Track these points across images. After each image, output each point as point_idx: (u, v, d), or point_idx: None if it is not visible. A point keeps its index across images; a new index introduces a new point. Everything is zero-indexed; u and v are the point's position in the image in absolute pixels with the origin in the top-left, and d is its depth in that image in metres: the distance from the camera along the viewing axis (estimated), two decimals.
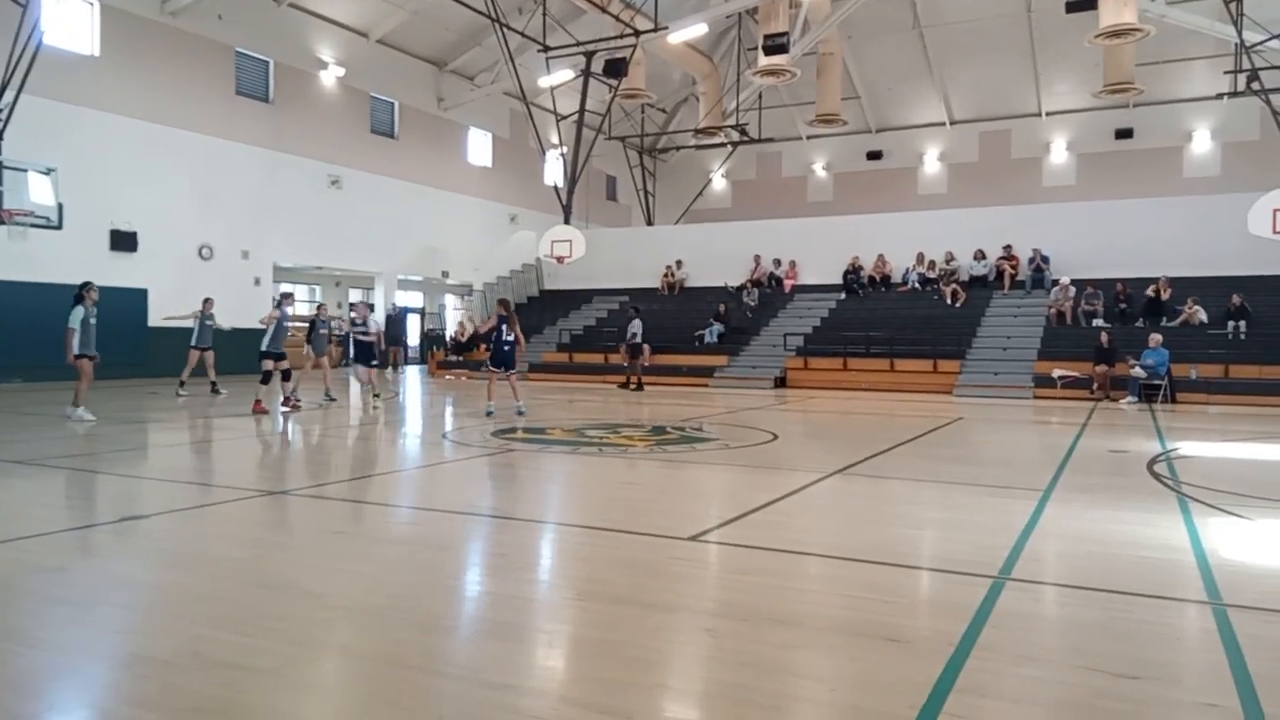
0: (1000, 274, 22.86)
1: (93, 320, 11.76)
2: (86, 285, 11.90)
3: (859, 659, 3.30)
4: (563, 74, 26.17)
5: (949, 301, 22.30)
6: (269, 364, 12.96)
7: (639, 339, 19.86)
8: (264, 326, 13.11)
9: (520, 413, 12.54)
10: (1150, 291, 19.94)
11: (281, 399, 13.11)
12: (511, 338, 12.76)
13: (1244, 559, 4.88)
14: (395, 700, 2.86)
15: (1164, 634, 3.71)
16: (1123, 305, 20.10)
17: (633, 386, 19.43)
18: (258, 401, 12.72)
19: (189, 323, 16.27)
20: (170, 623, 3.66)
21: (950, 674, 3.08)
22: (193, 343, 16.08)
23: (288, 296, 13.70)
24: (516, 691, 2.97)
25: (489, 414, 12.39)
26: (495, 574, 4.63)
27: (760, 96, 31.57)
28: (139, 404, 14.38)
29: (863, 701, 2.90)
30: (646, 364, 21.52)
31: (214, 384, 16.01)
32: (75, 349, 11.56)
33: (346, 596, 4.05)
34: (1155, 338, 16.90)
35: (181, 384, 15.74)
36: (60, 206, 16.90)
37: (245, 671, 3.07)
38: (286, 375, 13.25)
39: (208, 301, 16.32)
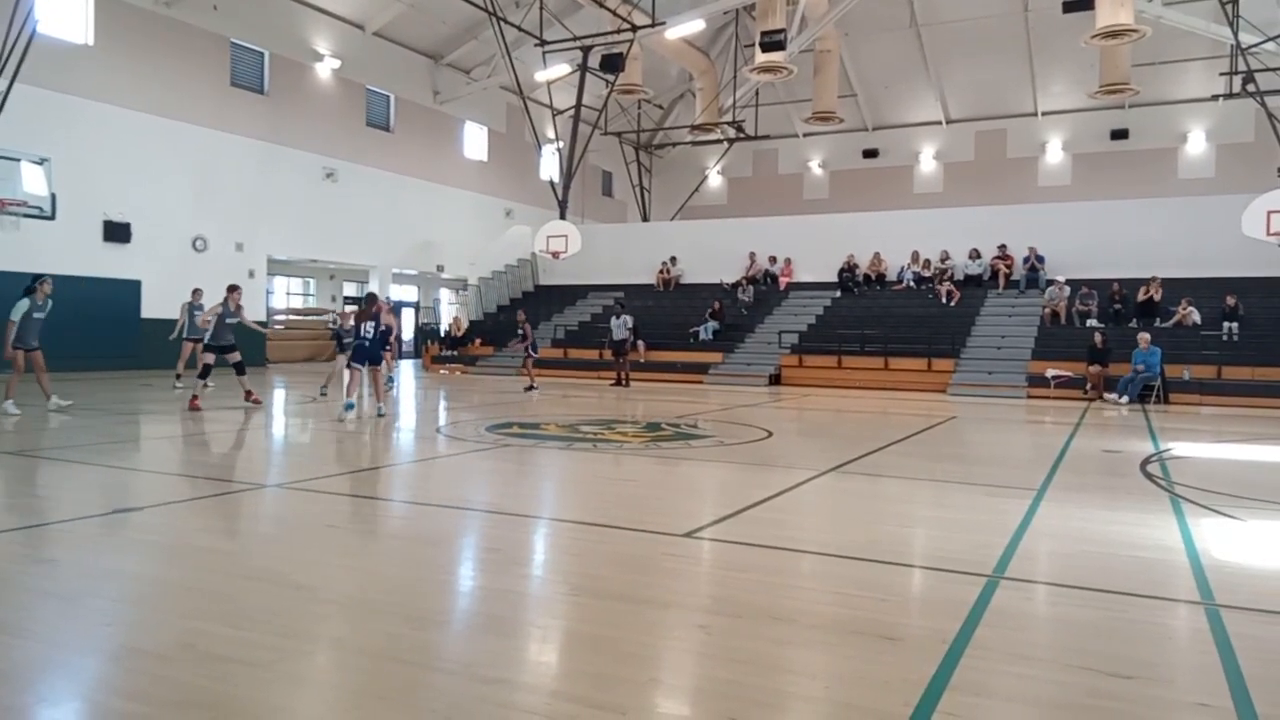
0: (995, 273, 22.90)
1: (38, 315, 11.52)
2: (39, 278, 11.76)
3: (853, 656, 3.30)
4: (559, 69, 26.10)
5: (944, 300, 22.33)
6: (209, 358, 12.63)
7: (626, 335, 19.78)
8: (209, 319, 12.82)
9: (380, 414, 11.56)
10: (1142, 292, 20.01)
11: (244, 393, 12.68)
12: (371, 334, 11.64)
13: (1236, 560, 4.90)
14: (387, 695, 2.85)
15: (1157, 634, 3.72)
16: (1117, 306, 20.15)
17: (622, 384, 19.41)
18: (194, 398, 12.10)
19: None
20: (161, 616, 3.65)
21: (945, 672, 3.08)
22: (184, 334, 15.95)
23: (234, 289, 13.26)
24: (509, 686, 2.96)
25: (348, 408, 11.41)
26: (488, 569, 4.62)
27: (757, 93, 31.55)
28: (131, 396, 14.32)
29: (857, 699, 2.90)
30: (641, 360, 21.50)
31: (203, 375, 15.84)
32: (10, 341, 11.33)
33: (339, 590, 4.04)
34: (1143, 337, 16.93)
35: (178, 376, 15.69)
36: (53, 197, 16.80)
37: (237, 665, 3.06)
38: (241, 369, 12.87)
39: (197, 292, 16.14)
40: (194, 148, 21.80)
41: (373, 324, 11.70)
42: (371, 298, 12.28)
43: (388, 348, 17.48)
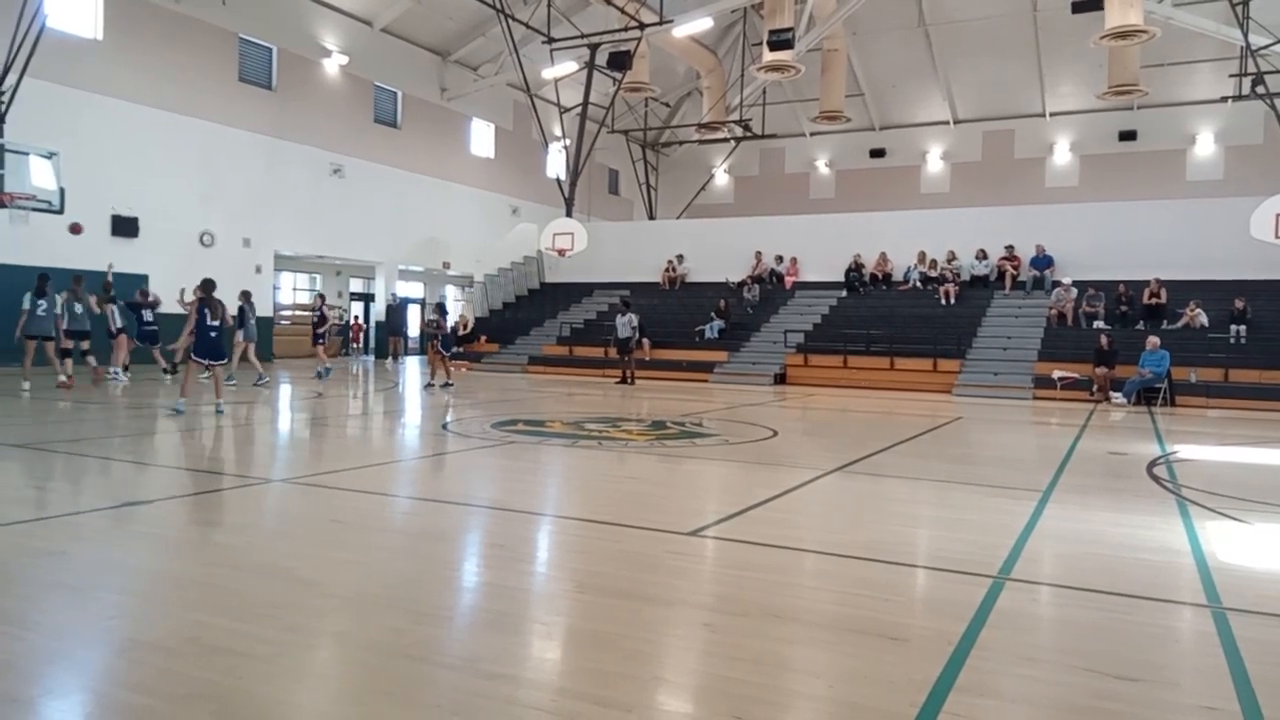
0: (1001, 274, 22.84)
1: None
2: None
3: (858, 656, 3.29)
4: (566, 66, 26.12)
5: (943, 301, 22.30)
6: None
7: (631, 333, 19.71)
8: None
9: (219, 411, 10.83)
10: (1147, 294, 19.95)
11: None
12: (217, 323, 10.90)
13: (1243, 562, 4.88)
14: (391, 689, 2.85)
15: (1162, 636, 3.71)
16: (1123, 307, 20.09)
17: (627, 382, 19.40)
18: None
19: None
20: (167, 609, 3.66)
21: (950, 673, 3.07)
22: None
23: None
24: (513, 682, 2.96)
25: (178, 412, 10.60)
26: (493, 565, 4.62)
27: (764, 92, 31.52)
28: (140, 389, 14.36)
29: (862, 698, 2.90)
30: (646, 358, 21.48)
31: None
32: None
33: (343, 585, 4.05)
34: (1152, 340, 16.87)
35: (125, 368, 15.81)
36: (62, 191, 16.85)
37: (242, 658, 3.06)
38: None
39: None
40: (202, 143, 21.85)
41: (219, 314, 10.96)
42: (208, 284, 11.02)
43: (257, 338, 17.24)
